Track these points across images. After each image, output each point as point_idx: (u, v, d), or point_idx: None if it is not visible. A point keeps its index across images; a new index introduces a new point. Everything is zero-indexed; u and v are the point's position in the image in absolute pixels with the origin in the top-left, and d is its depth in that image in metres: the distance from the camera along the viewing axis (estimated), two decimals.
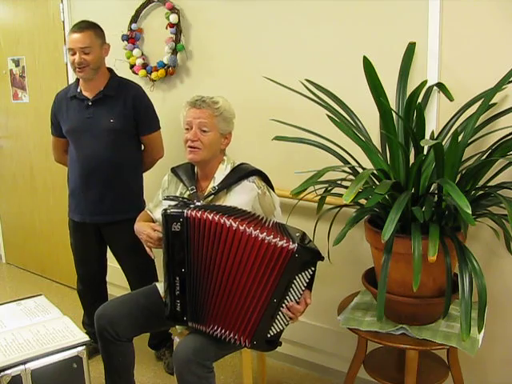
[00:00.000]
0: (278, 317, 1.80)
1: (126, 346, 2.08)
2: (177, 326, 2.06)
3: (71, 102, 2.55)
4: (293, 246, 1.71)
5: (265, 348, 1.87)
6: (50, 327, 1.96)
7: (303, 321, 2.58)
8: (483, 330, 1.73)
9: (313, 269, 1.78)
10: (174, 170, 2.14)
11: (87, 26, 2.44)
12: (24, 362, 1.75)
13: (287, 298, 1.77)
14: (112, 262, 2.81)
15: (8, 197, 4.19)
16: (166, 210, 1.84)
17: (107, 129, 2.46)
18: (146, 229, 2.04)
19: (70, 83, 3.35)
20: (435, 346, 1.74)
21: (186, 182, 2.06)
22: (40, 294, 2.30)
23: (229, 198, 1.98)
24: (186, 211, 1.80)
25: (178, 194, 2.08)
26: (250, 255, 1.74)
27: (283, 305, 1.78)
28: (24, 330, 1.94)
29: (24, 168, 3.93)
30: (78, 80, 2.57)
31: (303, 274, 1.76)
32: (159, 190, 2.20)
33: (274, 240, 1.72)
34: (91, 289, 2.76)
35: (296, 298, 1.78)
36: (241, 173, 2.00)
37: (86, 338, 1.90)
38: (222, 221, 1.76)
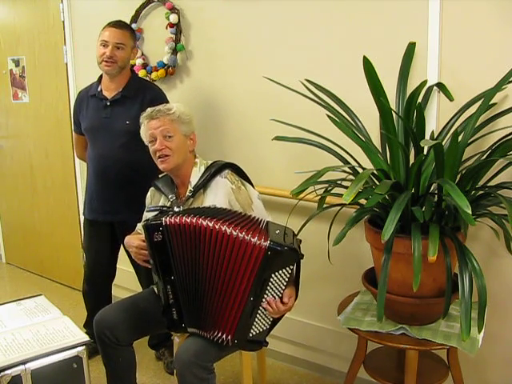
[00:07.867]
0: (257, 316, 1.79)
1: (126, 351, 2.07)
2: None
3: (91, 101, 2.57)
4: (265, 243, 1.71)
5: (248, 347, 1.86)
6: (50, 327, 1.96)
7: (303, 321, 2.59)
8: (483, 330, 1.73)
9: (291, 267, 1.75)
10: (154, 184, 2.15)
11: (126, 26, 2.52)
12: (24, 362, 1.75)
13: (265, 296, 1.77)
14: (119, 264, 2.80)
15: (8, 197, 4.19)
16: (145, 221, 1.85)
17: (122, 130, 2.46)
18: (135, 241, 2.00)
19: (69, 84, 3.37)
20: (435, 346, 1.74)
21: (165, 192, 2.07)
22: (40, 294, 2.30)
23: (206, 197, 2.00)
24: (164, 219, 1.81)
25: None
26: (226, 253, 1.75)
27: (261, 304, 1.77)
28: (24, 330, 1.94)
29: (24, 168, 3.93)
30: (99, 79, 2.58)
31: (281, 272, 1.75)
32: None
33: (247, 237, 1.73)
34: (97, 291, 2.74)
35: (276, 296, 1.77)
36: (213, 169, 2.01)
37: (86, 337, 1.90)
38: (199, 222, 1.77)
